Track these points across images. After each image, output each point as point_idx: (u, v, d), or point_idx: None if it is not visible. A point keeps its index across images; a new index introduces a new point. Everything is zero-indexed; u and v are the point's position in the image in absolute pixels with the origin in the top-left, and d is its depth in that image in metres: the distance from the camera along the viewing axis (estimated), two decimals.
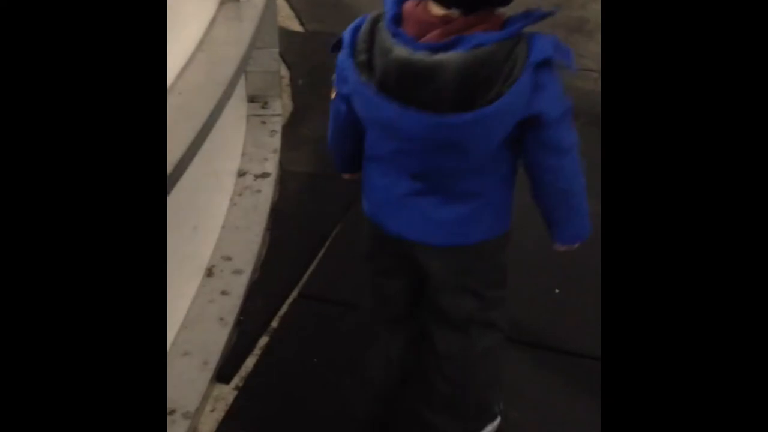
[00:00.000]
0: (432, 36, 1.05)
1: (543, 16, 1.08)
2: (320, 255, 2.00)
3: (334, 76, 1.22)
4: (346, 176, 1.41)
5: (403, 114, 1.08)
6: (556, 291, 1.92)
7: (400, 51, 1.06)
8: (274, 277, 1.92)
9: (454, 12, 1.05)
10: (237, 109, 2.33)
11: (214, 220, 2.00)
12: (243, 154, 2.31)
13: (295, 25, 3.29)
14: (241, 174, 2.23)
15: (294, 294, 1.87)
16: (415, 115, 1.08)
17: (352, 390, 1.55)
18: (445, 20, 1.05)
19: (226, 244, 1.95)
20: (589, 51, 3.06)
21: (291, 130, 2.53)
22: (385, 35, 1.08)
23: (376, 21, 1.11)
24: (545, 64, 1.05)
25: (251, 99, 2.56)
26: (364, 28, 1.12)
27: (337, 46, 1.18)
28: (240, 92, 2.43)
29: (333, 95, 1.25)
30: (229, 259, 1.90)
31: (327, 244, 2.04)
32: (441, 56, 1.03)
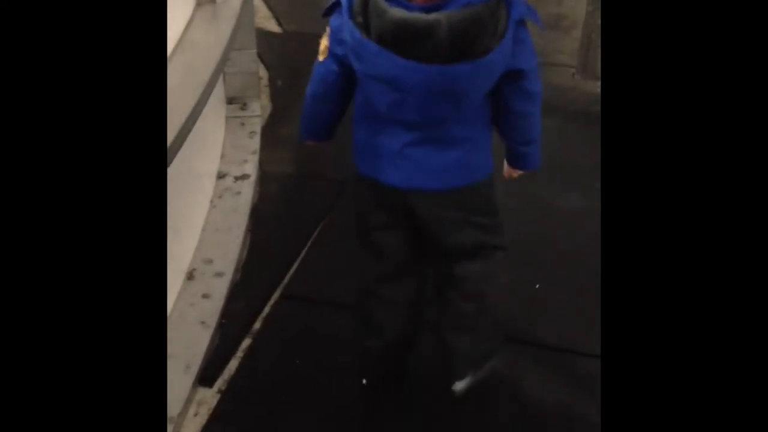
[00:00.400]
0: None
1: None
2: (302, 255, 2.00)
3: (323, 40, 1.31)
4: (311, 143, 1.50)
5: (406, 66, 1.19)
6: (537, 286, 1.93)
7: (396, 12, 1.16)
8: (255, 279, 1.91)
9: None
10: (216, 110, 2.32)
11: (194, 223, 1.99)
12: (222, 156, 2.30)
13: (273, 26, 3.28)
14: (221, 176, 2.22)
15: (276, 295, 1.87)
16: (417, 66, 1.18)
17: (364, 352, 1.58)
18: None
19: (207, 246, 1.95)
20: (566, 47, 3.08)
21: (270, 131, 2.53)
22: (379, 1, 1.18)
23: None
24: (521, 22, 1.23)
25: (230, 100, 2.55)
26: (347, 1, 1.22)
27: (330, 10, 1.27)
28: (218, 94, 2.42)
29: (321, 58, 1.33)
30: (210, 261, 1.89)
31: (308, 244, 2.04)
32: (435, 15, 1.15)
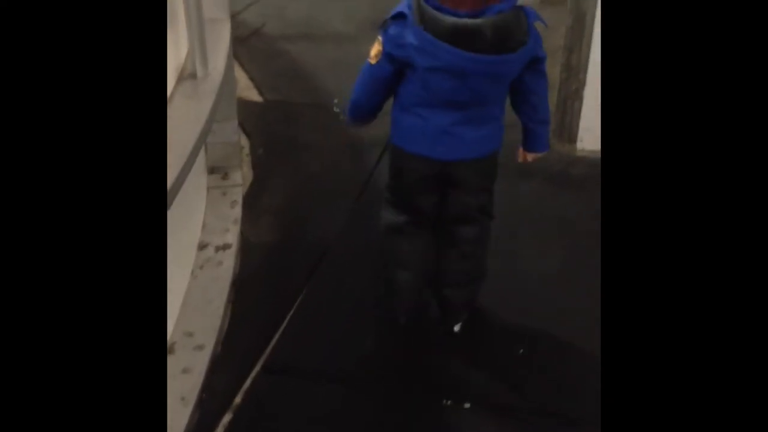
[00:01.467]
0: (466, 8, 1.55)
1: None
2: (284, 325, 1.99)
3: (375, 47, 1.68)
4: (358, 125, 1.91)
5: (468, 58, 1.56)
6: (521, 351, 1.93)
7: (449, 18, 1.54)
8: (237, 351, 1.90)
9: None
10: (197, 181, 2.34)
11: (174, 295, 1.98)
12: (204, 226, 2.31)
13: (255, 96, 3.33)
14: (202, 246, 2.22)
15: (258, 368, 1.85)
16: (477, 57, 1.56)
17: (396, 287, 1.94)
18: None
19: (187, 319, 1.93)
20: None
21: (252, 200, 2.54)
22: (429, 10, 1.55)
23: (417, 3, 1.57)
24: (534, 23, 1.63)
25: (211, 170, 2.57)
26: (414, 6, 1.57)
27: (390, 22, 1.63)
28: (200, 164, 2.44)
29: (374, 61, 1.69)
30: (190, 334, 1.88)
31: (290, 314, 2.03)
32: (479, 20, 1.54)
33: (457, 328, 1.97)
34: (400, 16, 1.61)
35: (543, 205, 2.56)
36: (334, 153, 2.89)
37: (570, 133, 2.86)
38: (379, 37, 1.66)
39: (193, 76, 2.01)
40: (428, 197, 1.81)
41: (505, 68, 1.62)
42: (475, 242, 1.88)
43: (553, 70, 3.35)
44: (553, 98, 3.01)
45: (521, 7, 1.59)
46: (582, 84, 2.76)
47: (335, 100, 3.28)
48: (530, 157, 1.89)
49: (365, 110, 1.82)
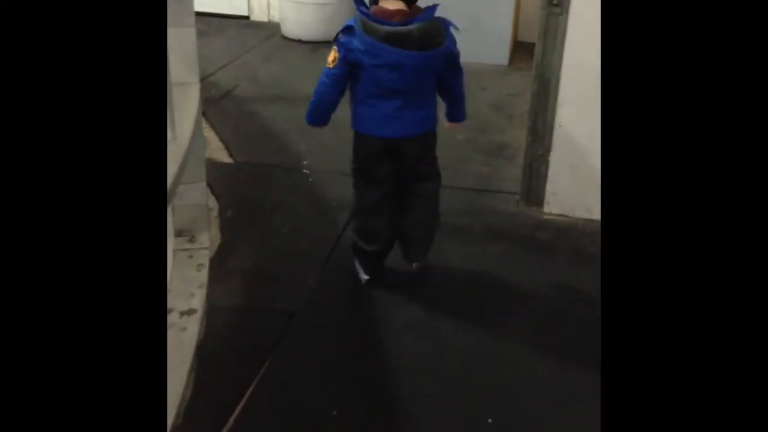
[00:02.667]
0: (396, 18, 2.07)
1: (436, 7, 2.15)
2: (248, 394, 1.94)
3: (331, 54, 2.14)
4: (319, 129, 2.33)
5: (403, 54, 2.07)
6: (489, 421, 1.90)
7: (384, 27, 2.06)
8: (198, 422, 1.84)
9: (403, 6, 2.09)
10: None
11: None
12: (169, 291, 2.27)
13: (225, 157, 3.33)
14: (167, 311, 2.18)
15: None
16: (409, 53, 2.08)
17: (366, 255, 2.41)
18: (399, 11, 2.09)
19: None
20: (509, 175, 3.19)
21: (219, 263, 2.51)
22: (370, 22, 2.07)
23: (360, 18, 2.09)
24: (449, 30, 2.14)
25: (178, 233, 2.55)
26: (358, 20, 2.09)
27: (343, 33, 2.12)
28: (167, 226, 2.42)
29: (332, 66, 2.14)
30: None
31: (255, 382, 1.98)
32: (408, 27, 2.06)
33: (415, 265, 2.45)
34: (348, 29, 2.11)
35: (510, 269, 2.56)
36: (304, 215, 2.88)
37: (537, 197, 2.89)
38: (334, 47, 2.14)
39: None
40: (384, 168, 2.28)
41: (430, 61, 2.13)
42: (430, 193, 2.39)
43: (520, 133, 3.43)
44: (519, 162, 3.06)
45: (439, 18, 2.13)
46: (548, 148, 2.81)
47: (305, 162, 3.29)
48: (453, 125, 2.43)
49: (322, 110, 2.25)
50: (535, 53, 2.74)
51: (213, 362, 2.06)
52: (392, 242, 2.42)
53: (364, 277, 2.42)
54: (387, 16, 2.07)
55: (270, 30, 5.37)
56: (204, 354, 2.08)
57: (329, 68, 2.16)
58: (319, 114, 2.26)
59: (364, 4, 2.15)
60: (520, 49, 4.88)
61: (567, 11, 2.60)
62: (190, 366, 1.99)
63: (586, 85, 2.60)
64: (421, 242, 2.42)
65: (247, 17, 5.63)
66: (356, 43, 2.09)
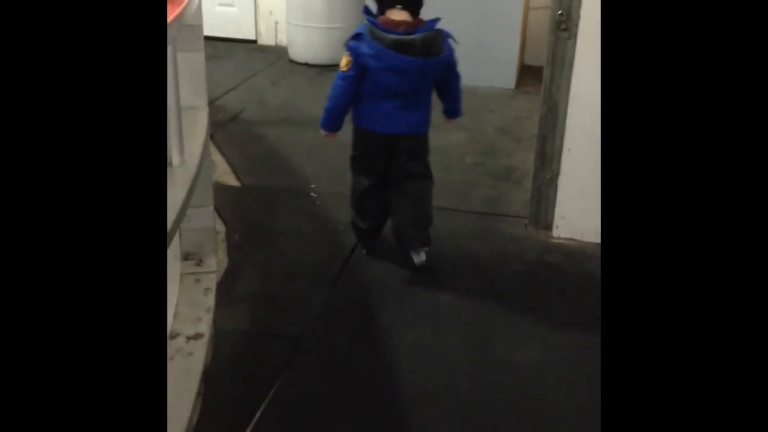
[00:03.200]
0: (401, 28, 2.34)
1: (438, 20, 2.41)
2: (255, 419, 1.92)
3: (344, 59, 2.38)
4: (331, 135, 2.55)
5: (407, 60, 2.33)
6: None
7: (391, 36, 2.32)
8: None
9: (408, 17, 2.36)
10: (170, 268, 2.30)
11: None
12: (175, 315, 2.25)
13: (232, 180, 3.34)
14: (173, 336, 2.16)
15: None
16: (412, 59, 2.33)
17: (362, 233, 2.71)
18: (403, 22, 2.35)
19: None
20: (517, 198, 3.18)
21: (226, 287, 2.50)
22: (377, 30, 2.33)
23: (368, 27, 2.35)
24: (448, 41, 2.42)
25: (185, 257, 2.54)
26: (367, 28, 2.34)
27: (353, 39, 2.37)
28: (174, 250, 2.41)
29: (345, 69, 2.38)
30: None
31: (262, 407, 1.96)
32: (411, 36, 2.33)
33: (417, 260, 2.61)
34: (358, 36, 2.37)
35: (519, 293, 2.55)
36: (311, 238, 2.87)
37: (546, 221, 2.88)
38: (347, 52, 2.38)
39: (169, 163, 2.01)
40: (380, 161, 2.53)
41: (430, 68, 2.39)
42: (420, 193, 2.57)
43: (527, 157, 3.43)
44: (527, 186, 3.06)
45: (439, 30, 2.38)
46: (556, 172, 2.80)
47: (312, 185, 3.29)
48: (451, 122, 2.71)
49: (338, 113, 2.47)
50: (543, 77, 2.74)
51: (220, 387, 2.04)
52: (381, 224, 2.69)
53: (365, 250, 2.74)
54: (393, 26, 2.35)
55: (277, 54, 5.40)
56: (211, 379, 2.06)
57: (344, 72, 2.39)
58: (335, 117, 2.48)
59: (372, 15, 2.42)
60: (527, 73, 4.90)
61: (575, 36, 2.61)
62: (197, 391, 1.97)
63: (595, 109, 2.60)
64: (417, 240, 2.60)
65: (254, 41, 5.67)
66: (364, 47, 2.34)
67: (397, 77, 2.36)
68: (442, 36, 2.38)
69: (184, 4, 1.83)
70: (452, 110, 2.65)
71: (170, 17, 1.68)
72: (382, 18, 2.38)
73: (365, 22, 2.39)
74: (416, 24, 2.36)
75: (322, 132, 2.53)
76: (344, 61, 2.38)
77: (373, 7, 2.45)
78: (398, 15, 2.35)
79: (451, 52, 2.41)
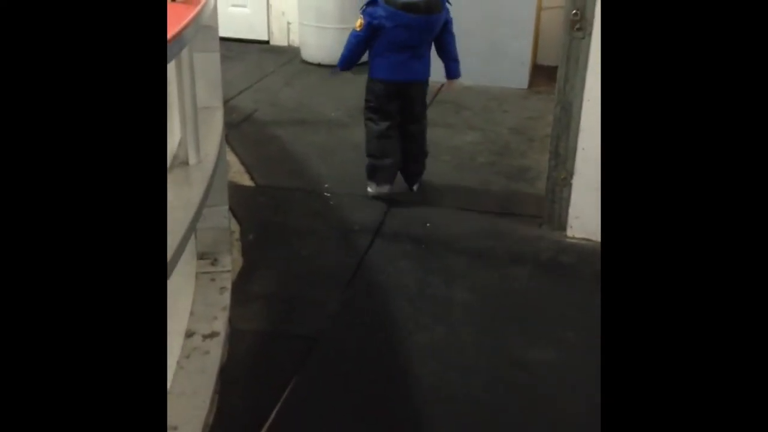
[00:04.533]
0: None
1: None
2: (271, 419, 1.93)
3: (359, 20, 2.97)
4: (345, 71, 3.15)
5: (414, 17, 2.87)
6: None
7: (402, 1, 2.85)
8: None
9: None
10: (186, 267, 2.31)
11: None
12: (191, 314, 2.26)
13: (246, 180, 3.35)
14: (189, 335, 2.17)
15: None
16: (417, 17, 2.88)
17: (382, 168, 3.14)
18: None
19: (172, 412, 1.86)
20: (531, 198, 3.18)
21: (241, 286, 2.51)
22: None
23: None
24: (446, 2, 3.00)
25: (200, 256, 2.55)
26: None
27: (369, 4, 2.93)
28: (189, 249, 2.42)
29: (359, 29, 2.96)
30: (174, 429, 1.81)
31: (278, 406, 1.97)
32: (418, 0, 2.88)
33: (415, 188, 3.24)
34: (373, 2, 2.93)
35: (533, 293, 2.54)
36: (325, 238, 2.88)
37: (560, 221, 2.88)
38: (361, 15, 2.96)
39: (186, 163, 2.02)
40: (393, 104, 3.05)
41: (432, 24, 2.95)
42: (420, 133, 3.18)
43: (541, 157, 3.43)
44: (541, 185, 3.05)
45: None
46: (570, 172, 2.79)
47: (326, 185, 3.30)
48: (453, 85, 3.23)
49: (351, 61, 3.08)
50: (557, 77, 2.74)
51: (236, 386, 2.05)
52: (400, 159, 3.13)
53: (377, 189, 3.14)
54: None
55: (290, 54, 5.42)
56: (227, 378, 2.07)
57: (357, 31, 2.98)
58: (350, 63, 3.08)
59: None
60: (540, 73, 4.89)
61: (590, 35, 2.60)
62: (213, 390, 1.98)
63: None
64: (417, 171, 3.23)
65: (267, 42, 5.69)
66: (380, 11, 2.90)
67: (407, 32, 2.92)
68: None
69: (200, 5, 1.84)
70: (453, 70, 3.15)
71: (188, 18, 1.69)
72: None
73: None
74: None
75: (339, 69, 3.16)
76: (359, 23, 2.96)
77: None
78: None
79: (447, 10, 2.99)
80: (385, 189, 3.12)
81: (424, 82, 3.09)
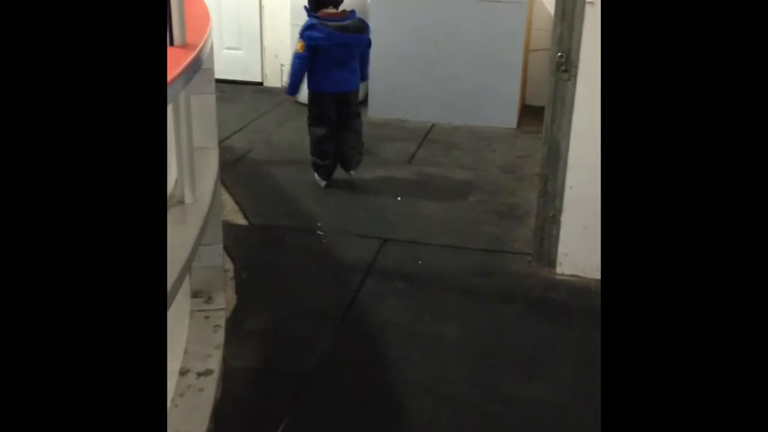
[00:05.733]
0: (338, 17, 3.56)
1: (354, 11, 3.68)
2: None
3: (299, 44, 3.52)
4: (293, 97, 3.83)
5: (348, 36, 3.55)
6: None
7: (334, 23, 3.53)
8: None
9: (337, 11, 3.58)
10: (180, 305, 2.33)
11: None
12: (185, 352, 2.28)
13: (240, 219, 3.38)
14: (183, 372, 2.18)
15: None
16: (351, 35, 3.57)
17: (322, 168, 3.76)
18: (337, 13, 3.58)
19: None
20: (521, 236, 3.22)
21: (234, 324, 2.53)
22: (324, 21, 3.50)
23: (316, 20, 3.51)
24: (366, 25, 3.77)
25: (195, 294, 2.57)
26: (317, 21, 3.50)
27: (306, 29, 3.51)
28: (184, 288, 2.45)
29: (300, 51, 3.52)
30: None
31: None
32: (347, 22, 3.56)
33: (352, 173, 3.83)
34: (311, 26, 3.51)
35: (524, 330, 2.57)
36: (318, 276, 2.91)
37: (549, 258, 2.92)
38: (300, 39, 3.53)
39: (182, 202, 2.06)
40: (332, 112, 3.66)
41: (362, 41, 3.64)
42: (356, 132, 3.78)
43: (530, 195, 3.49)
44: (530, 223, 3.10)
45: (360, 17, 3.63)
46: (559, 210, 2.85)
47: (318, 224, 3.34)
48: (363, 82, 3.87)
49: (298, 84, 3.64)
50: (544, 118, 2.81)
51: (230, 424, 2.06)
52: (336, 159, 3.76)
53: (323, 182, 3.76)
54: (332, 17, 3.56)
55: (283, 96, 5.47)
56: (221, 416, 2.08)
57: (300, 53, 3.55)
58: (297, 85, 3.64)
59: (312, 13, 3.58)
60: (528, 113, 4.98)
61: (575, 77, 2.68)
62: (207, 428, 1.99)
63: (596, 147, 2.65)
64: (356, 158, 3.81)
65: (261, 83, 5.78)
66: (317, 33, 3.49)
67: (343, 50, 3.55)
68: (363, 20, 3.67)
69: (198, 49, 1.90)
70: (365, 75, 3.86)
71: (185, 62, 1.75)
72: (322, 12, 3.56)
73: (309, 19, 3.55)
74: (344, 14, 3.59)
75: (290, 98, 3.83)
76: (300, 46, 3.54)
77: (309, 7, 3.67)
78: (332, 10, 3.59)
79: (369, 30, 3.68)
80: (324, 182, 3.78)
81: (357, 90, 3.76)
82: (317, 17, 3.50)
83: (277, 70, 5.75)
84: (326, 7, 3.56)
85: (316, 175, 3.78)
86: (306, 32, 3.48)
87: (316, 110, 3.65)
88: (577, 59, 2.66)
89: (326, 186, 3.73)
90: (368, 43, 3.69)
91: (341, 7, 3.62)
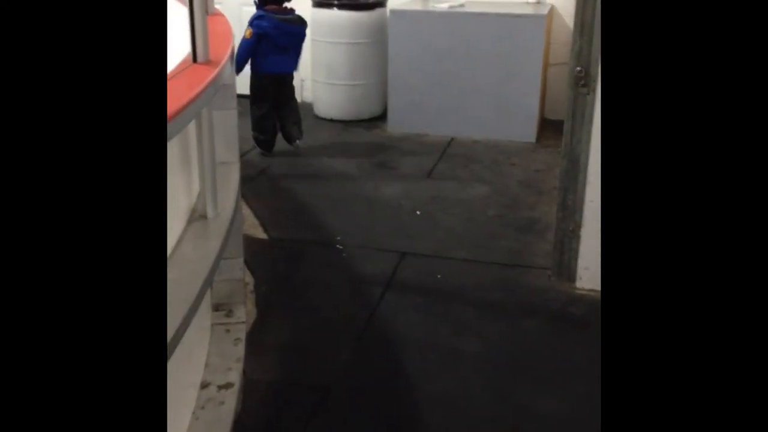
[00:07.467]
0: (281, 11, 4.39)
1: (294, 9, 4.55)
2: None
3: (247, 30, 4.32)
4: (238, 72, 3.96)
5: (290, 27, 4.38)
6: None
7: (281, 16, 4.35)
8: None
9: (281, 6, 4.42)
10: (201, 319, 2.36)
11: None
12: (206, 365, 2.30)
13: (260, 233, 3.41)
14: (204, 385, 2.20)
15: None
16: (296, 26, 4.42)
17: (264, 141, 4.49)
18: (282, 8, 4.40)
19: None
20: (540, 250, 3.22)
21: (255, 338, 2.55)
22: (272, 14, 4.34)
23: (265, 12, 4.32)
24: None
25: (216, 307, 2.60)
26: (265, 13, 4.32)
27: (256, 18, 4.33)
28: (205, 301, 2.47)
29: (248, 37, 4.28)
30: None
31: None
32: (292, 15, 4.42)
33: (295, 144, 4.54)
34: (260, 17, 4.24)
35: (544, 344, 2.56)
36: (337, 290, 2.92)
37: (569, 272, 2.91)
38: (249, 27, 4.25)
39: (204, 216, 2.09)
40: (272, 91, 4.37)
41: (301, 31, 4.38)
42: (293, 109, 4.52)
43: (549, 209, 3.48)
44: (550, 237, 3.09)
45: (299, 15, 4.42)
46: (578, 224, 2.84)
47: (338, 238, 3.35)
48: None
49: (243, 64, 4.20)
50: (564, 131, 2.81)
51: None
52: (276, 133, 4.49)
53: (263, 153, 4.48)
54: (279, 11, 4.31)
55: (303, 110, 5.50)
56: (241, 428, 2.09)
57: (247, 39, 4.23)
58: (242, 65, 4.20)
59: (261, 6, 4.33)
60: (547, 127, 4.98)
61: (594, 91, 2.68)
62: None
63: None
64: (298, 130, 4.52)
65: None
66: (266, 24, 4.22)
67: (288, 38, 4.31)
68: (301, 17, 4.42)
69: (220, 66, 1.93)
70: (297, 65, 4.47)
71: (208, 78, 1.78)
72: (270, 6, 4.30)
73: (258, 11, 4.31)
74: (287, 10, 4.34)
75: (235, 73, 3.98)
76: (248, 32, 4.24)
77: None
78: (277, 6, 4.32)
79: (307, 25, 4.44)
80: (267, 154, 4.46)
81: (292, 73, 4.48)
82: (265, 11, 4.27)
83: (297, 85, 5.77)
84: (273, 3, 4.34)
85: (260, 150, 4.49)
86: (255, 21, 4.24)
87: (258, 90, 4.36)
88: (596, 73, 2.67)
89: (268, 154, 4.49)
90: (305, 36, 4.45)
91: (286, 5, 4.41)
